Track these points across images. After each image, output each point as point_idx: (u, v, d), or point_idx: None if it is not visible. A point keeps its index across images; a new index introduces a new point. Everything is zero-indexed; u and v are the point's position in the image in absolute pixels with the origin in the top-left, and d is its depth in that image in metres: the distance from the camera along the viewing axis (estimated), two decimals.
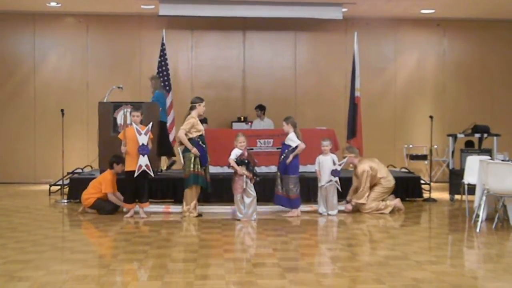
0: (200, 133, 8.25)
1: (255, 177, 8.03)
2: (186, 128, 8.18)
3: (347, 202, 8.96)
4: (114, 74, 12.58)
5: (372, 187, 8.87)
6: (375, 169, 8.89)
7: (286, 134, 8.58)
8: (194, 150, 8.13)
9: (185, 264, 5.52)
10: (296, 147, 8.42)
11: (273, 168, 9.63)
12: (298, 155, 8.52)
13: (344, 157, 8.98)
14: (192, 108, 8.35)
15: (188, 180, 8.24)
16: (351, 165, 9.44)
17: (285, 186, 8.47)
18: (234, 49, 13.38)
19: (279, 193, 8.56)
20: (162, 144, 10.05)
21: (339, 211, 8.62)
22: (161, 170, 10.45)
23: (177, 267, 5.44)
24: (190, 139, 8.17)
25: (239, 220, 8.01)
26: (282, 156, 8.50)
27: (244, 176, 7.95)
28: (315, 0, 11.92)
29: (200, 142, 8.22)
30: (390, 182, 8.97)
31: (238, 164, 7.97)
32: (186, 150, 8.26)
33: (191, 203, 8.28)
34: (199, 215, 8.33)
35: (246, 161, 7.99)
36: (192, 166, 8.17)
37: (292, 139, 8.48)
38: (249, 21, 13.06)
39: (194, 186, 8.26)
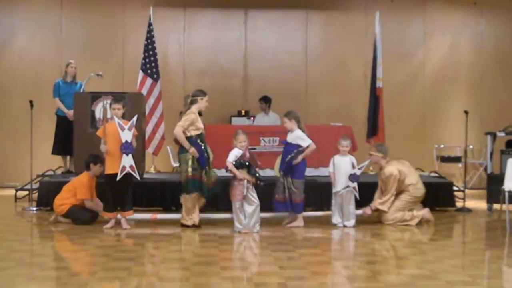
0: (199, 132, 8.22)
1: (258, 182, 8.01)
2: (184, 125, 8.13)
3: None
4: (92, 59, 12.58)
5: (397, 194, 8.82)
6: (404, 173, 8.80)
7: (289, 132, 8.59)
8: (192, 150, 8.09)
9: (175, 284, 5.53)
10: (307, 147, 8.43)
11: None
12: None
13: (370, 155, 8.91)
14: (192, 102, 8.31)
15: (187, 186, 8.22)
16: (371, 168, 9.44)
17: (288, 190, 8.47)
18: (234, 31, 13.41)
19: (279, 199, 8.56)
20: (64, 141, 10.54)
21: (357, 221, 8.59)
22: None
23: (166, 286, 5.45)
24: (187, 138, 8.15)
25: (239, 232, 8.01)
26: (289, 157, 8.48)
27: (245, 180, 7.95)
28: None
29: (199, 141, 8.19)
30: (419, 190, 8.91)
31: (237, 168, 7.94)
32: (182, 151, 8.23)
33: (193, 214, 8.26)
34: (197, 226, 8.28)
35: (247, 163, 7.97)
36: (190, 170, 8.15)
37: (302, 138, 8.45)
38: None
39: (194, 193, 8.22)
